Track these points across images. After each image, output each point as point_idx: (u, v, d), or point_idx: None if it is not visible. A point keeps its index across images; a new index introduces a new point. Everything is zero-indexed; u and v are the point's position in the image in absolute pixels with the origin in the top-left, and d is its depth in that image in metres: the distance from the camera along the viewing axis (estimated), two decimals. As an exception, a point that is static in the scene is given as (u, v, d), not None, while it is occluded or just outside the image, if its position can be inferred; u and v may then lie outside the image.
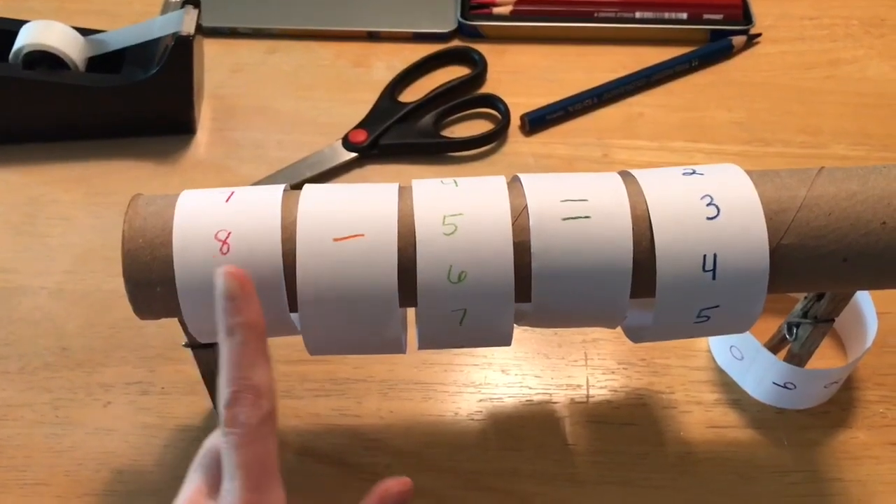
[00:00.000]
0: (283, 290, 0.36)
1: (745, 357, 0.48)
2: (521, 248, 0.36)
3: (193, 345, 0.41)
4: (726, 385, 0.49)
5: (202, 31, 0.61)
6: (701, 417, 0.48)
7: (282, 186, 0.38)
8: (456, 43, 0.69)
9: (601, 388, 0.49)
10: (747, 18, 0.70)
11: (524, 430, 0.48)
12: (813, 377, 0.46)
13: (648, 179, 0.37)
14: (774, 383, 0.47)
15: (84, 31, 0.61)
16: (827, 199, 0.37)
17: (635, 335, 0.41)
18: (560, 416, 0.48)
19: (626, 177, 0.38)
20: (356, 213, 0.36)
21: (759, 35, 0.69)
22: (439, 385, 0.49)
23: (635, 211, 0.36)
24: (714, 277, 0.36)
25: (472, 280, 0.36)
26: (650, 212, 0.36)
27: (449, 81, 0.65)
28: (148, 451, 0.47)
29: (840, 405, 0.49)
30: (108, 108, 0.59)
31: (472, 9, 0.70)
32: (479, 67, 0.66)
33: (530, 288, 0.37)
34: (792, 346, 0.46)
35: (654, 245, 0.36)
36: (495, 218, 0.36)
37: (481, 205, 0.37)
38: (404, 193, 0.38)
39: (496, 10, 0.70)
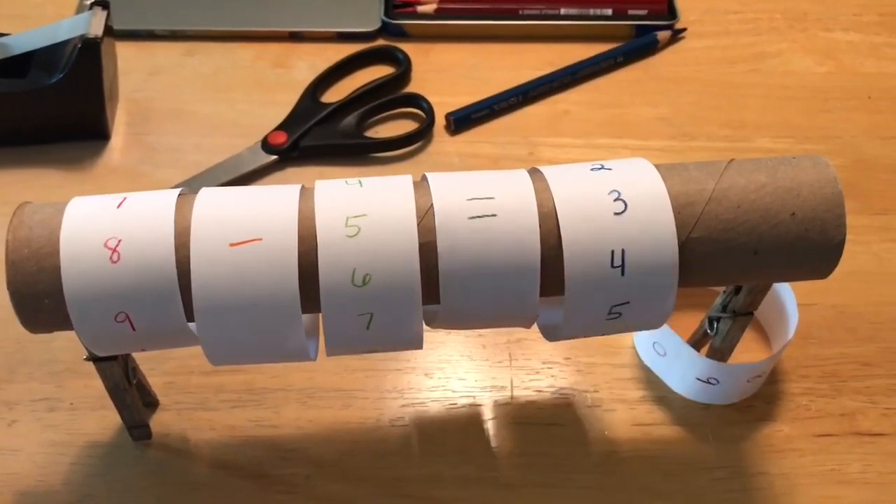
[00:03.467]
0: (177, 299, 0.34)
1: (667, 353, 0.47)
2: (428, 249, 0.35)
3: (94, 358, 0.39)
4: (651, 382, 0.49)
5: (113, 33, 0.59)
6: (626, 416, 0.48)
7: (177, 191, 0.36)
8: (380, 42, 0.68)
9: (525, 388, 0.49)
10: (672, 13, 0.69)
11: (447, 434, 0.47)
12: (735, 372, 0.46)
13: (556, 176, 0.37)
14: (698, 379, 0.47)
15: (-12, 35, 0.59)
16: (736, 191, 0.37)
17: (550, 334, 0.40)
18: (484, 418, 0.47)
19: (534, 174, 0.37)
20: (254, 217, 0.35)
21: (683, 30, 0.69)
22: (360, 392, 0.48)
23: (542, 208, 0.36)
24: (623, 273, 0.35)
25: (377, 283, 0.35)
26: (557, 208, 0.35)
27: (372, 81, 0.64)
28: (55, 469, 0.45)
29: (765, 399, 0.49)
30: (14, 115, 0.57)
31: (396, 7, 0.69)
32: (403, 66, 0.65)
33: (439, 289, 0.36)
34: (713, 340, 0.46)
35: (562, 242, 0.35)
36: (400, 218, 0.35)
37: (386, 205, 0.35)
38: (306, 195, 0.36)
39: (420, 8, 0.69)
